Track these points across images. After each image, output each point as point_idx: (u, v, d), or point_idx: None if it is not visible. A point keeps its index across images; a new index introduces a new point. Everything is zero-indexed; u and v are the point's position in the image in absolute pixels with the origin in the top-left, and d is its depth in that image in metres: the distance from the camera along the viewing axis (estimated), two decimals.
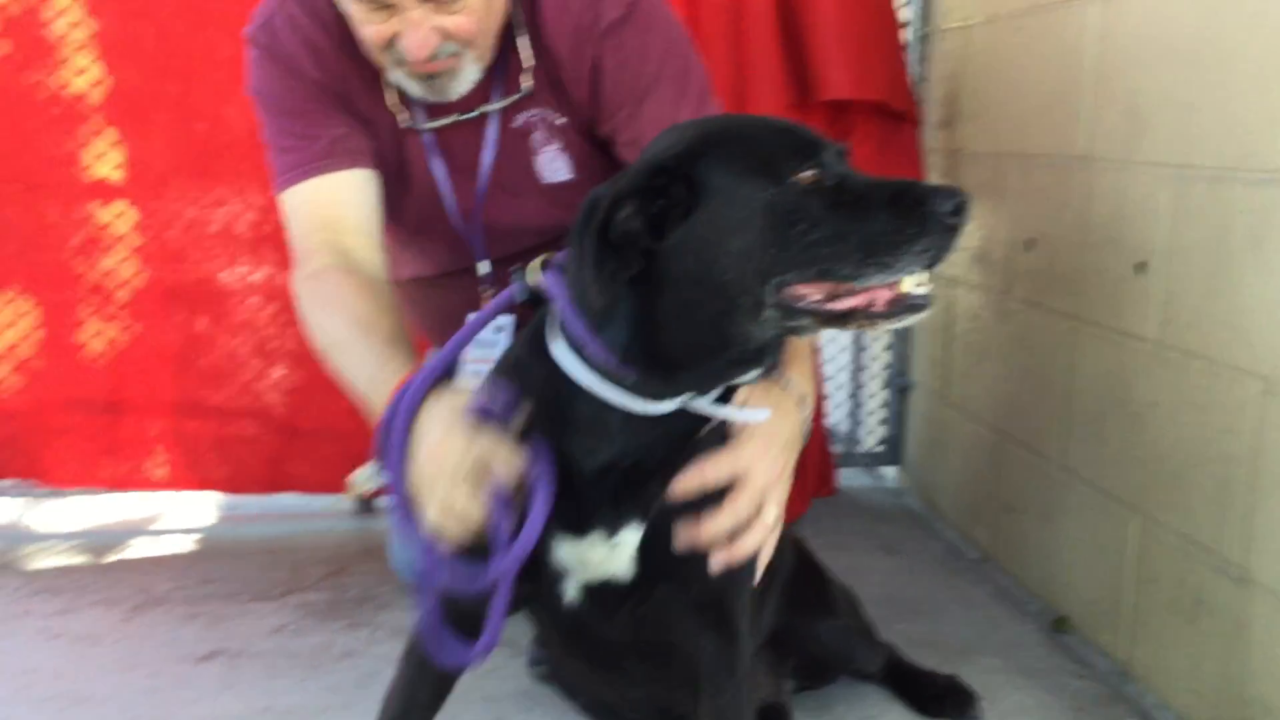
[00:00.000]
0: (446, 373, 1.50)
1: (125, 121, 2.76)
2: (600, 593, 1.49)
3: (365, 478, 2.92)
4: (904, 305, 1.28)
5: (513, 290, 1.48)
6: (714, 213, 1.29)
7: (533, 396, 1.42)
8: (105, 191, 2.79)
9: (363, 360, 1.64)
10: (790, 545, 1.91)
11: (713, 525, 1.43)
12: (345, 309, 1.73)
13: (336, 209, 1.89)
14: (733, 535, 1.45)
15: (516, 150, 2.00)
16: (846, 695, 2.09)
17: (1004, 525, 2.72)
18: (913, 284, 1.28)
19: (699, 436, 1.43)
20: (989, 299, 2.79)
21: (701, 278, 1.30)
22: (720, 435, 1.45)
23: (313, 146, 1.89)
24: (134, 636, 2.32)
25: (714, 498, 1.43)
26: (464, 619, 1.49)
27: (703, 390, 1.39)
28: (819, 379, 1.69)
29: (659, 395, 1.37)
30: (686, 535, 1.43)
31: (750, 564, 1.51)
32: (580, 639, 1.64)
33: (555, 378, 1.40)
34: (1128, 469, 2.20)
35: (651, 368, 1.35)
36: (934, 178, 3.06)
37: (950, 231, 1.25)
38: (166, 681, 2.14)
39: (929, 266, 1.27)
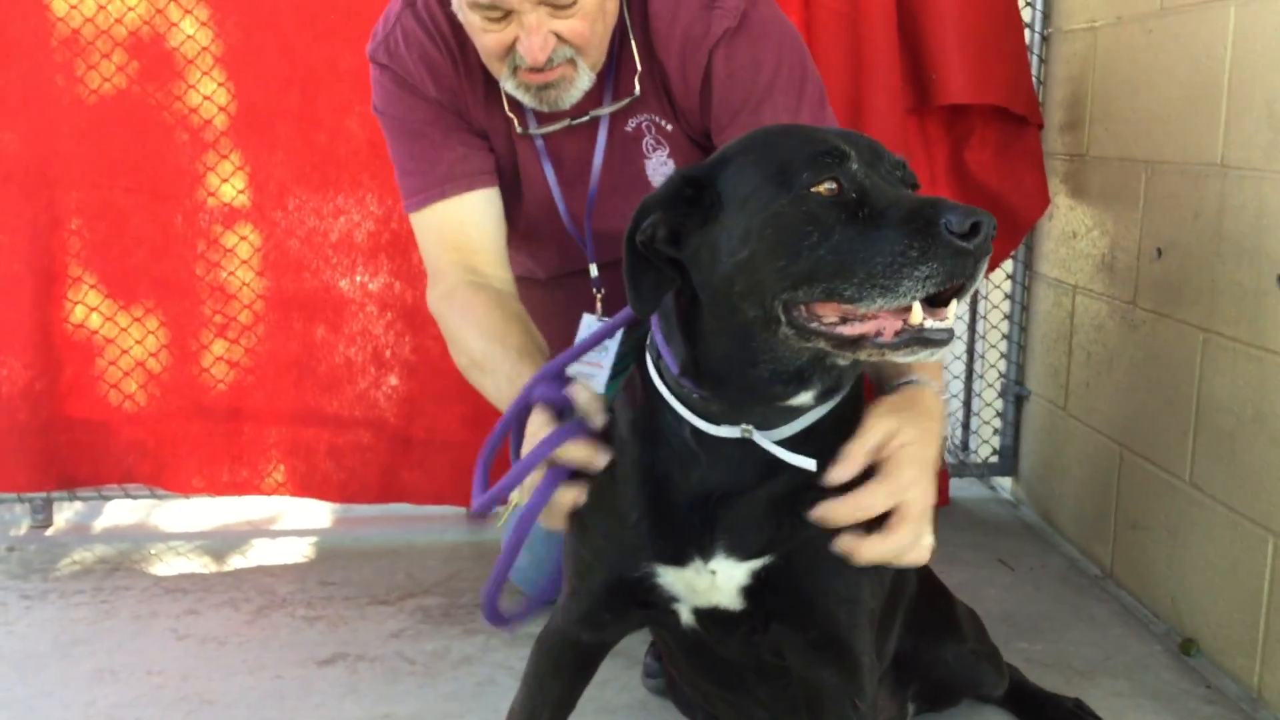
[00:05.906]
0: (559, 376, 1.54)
1: (249, 136, 2.81)
2: (713, 618, 1.47)
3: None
4: (912, 338, 1.18)
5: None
6: (726, 222, 1.26)
7: (634, 408, 1.43)
8: (230, 214, 2.85)
9: (496, 380, 1.78)
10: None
11: (870, 552, 1.38)
12: (477, 326, 1.86)
13: (463, 230, 1.99)
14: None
15: (627, 154, 2.01)
16: (968, 716, 2.05)
17: (1127, 542, 2.64)
18: (920, 315, 1.17)
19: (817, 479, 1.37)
20: (1114, 308, 2.71)
21: (718, 288, 1.27)
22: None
23: (434, 170, 1.98)
24: (258, 639, 2.37)
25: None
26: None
27: (763, 415, 1.34)
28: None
29: (718, 417, 1.34)
30: (843, 548, 1.38)
31: (873, 602, 1.47)
32: (701, 658, 1.64)
33: (650, 391, 1.40)
34: (1263, 488, 2.11)
35: (700, 380, 1.33)
36: (1056, 182, 2.99)
37: (961, 256, 1.13)
38: (291, 685, 2.18)
39: (941, 295, 1.16)
